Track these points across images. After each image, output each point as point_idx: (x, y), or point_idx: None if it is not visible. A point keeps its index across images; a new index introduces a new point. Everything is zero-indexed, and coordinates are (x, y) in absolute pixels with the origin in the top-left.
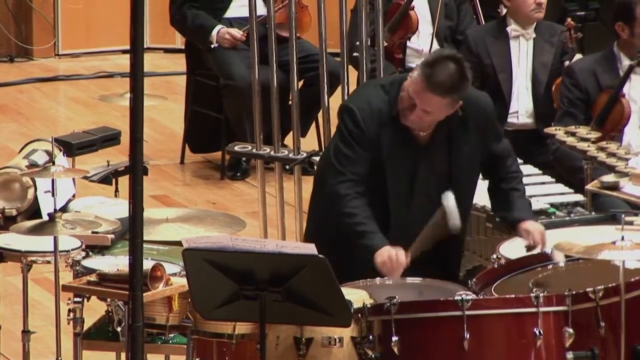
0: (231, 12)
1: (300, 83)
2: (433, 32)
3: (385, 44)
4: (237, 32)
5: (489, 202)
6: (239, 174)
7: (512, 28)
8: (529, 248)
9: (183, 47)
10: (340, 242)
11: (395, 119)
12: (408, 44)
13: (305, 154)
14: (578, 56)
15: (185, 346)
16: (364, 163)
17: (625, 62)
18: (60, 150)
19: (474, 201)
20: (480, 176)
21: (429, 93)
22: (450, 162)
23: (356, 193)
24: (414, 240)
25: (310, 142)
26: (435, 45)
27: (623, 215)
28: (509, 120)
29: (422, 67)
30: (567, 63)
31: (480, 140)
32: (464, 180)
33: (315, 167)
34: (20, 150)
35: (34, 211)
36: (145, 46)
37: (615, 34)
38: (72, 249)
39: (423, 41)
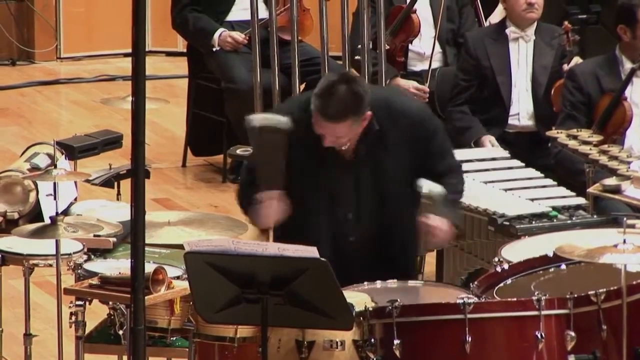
0: (233, 16)
1: (302, 86)
2: (435, 35)
3: (387, 47)
4: (239, 36)
5: (490, 205)
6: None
7: (511, 30)
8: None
9: (185, 50)
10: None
11: (313, 143)
12: (410, 47)
13: None
14: (576, 59)
15: (187, 349)
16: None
17: (627, 65)
18: (62, 154)
19: (476, 204)
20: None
21: (328, 123)
22: (374, 176)
23: (252, 184)
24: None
25: None
26: (438, 48)
27: (625, 219)
28: (510, 122)
29: (314, 100)
30: (565, 66)
31: (409, 152)
32: (392, 193)
33: None
34: (22, 154)
35: (35, 214)
36: (147, 49)
37: (617, 37)
38: (74, 252)
39: (425, 44)
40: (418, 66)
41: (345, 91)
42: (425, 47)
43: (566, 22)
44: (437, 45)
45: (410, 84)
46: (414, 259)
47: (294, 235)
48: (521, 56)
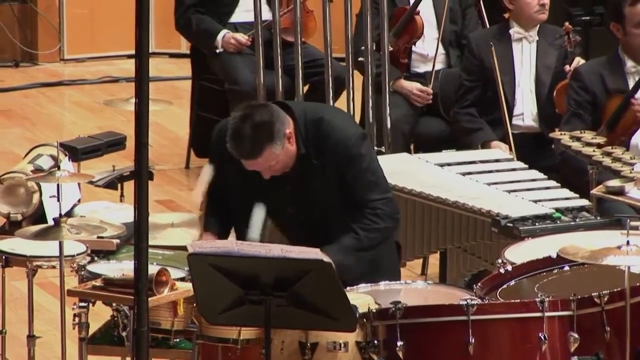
0: (236, 17)
1: (306, 88)
2: (439, 37)
3: (391, 48)
4: (242, 37)
5: (493, 207)
6: None
7: (515, 31)
8: None
9: (188, 51)
10: None
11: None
12: (413, 48)
13: None
14: (577, 59)
15: (191, 351)
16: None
17: (630, 64)
18: (66, 155)
19: (479, 206)
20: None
21: (250, 161)
22: (305, 196)
23: (211, 192)
24: None
25: None
26: (441, 50)
27: (628, 220)
28: (514, 122)
29: (229, 147)
30: (567, 67)
31: (334, 173)
32: (316, 216)
33: None
34: (26, 155)
35: (39, 216)
36: (150, 51)
37: (615, 37)
38: (78, 254)
39: (428, 46)
40: (421, 68)
41: (250, 127)
42: (429, 49)
43: (567, 23)
44: (441, 47)
45: (414, 86)
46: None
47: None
48: (524, 57)
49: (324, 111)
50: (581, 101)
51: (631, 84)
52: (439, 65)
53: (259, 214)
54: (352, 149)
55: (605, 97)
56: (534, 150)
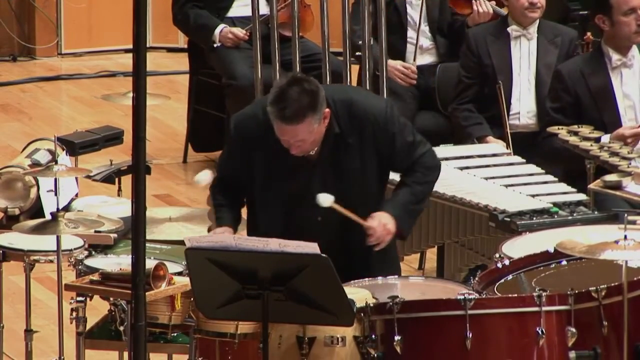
0: (234, 12)
1: None
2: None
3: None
4: (239, 32)
5: (491, 202)
6: None
7: (513, 28)
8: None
9: (186, 46)
10: None
11: (276, 144)
12: (408, 40)
13: None
14: None
15: (188, 345)
16: (228, 174)
17: (615, 57)
18: (63, 150)
19: (477, 200)
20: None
21: (288, 126)
22: (339, 177)
23: (220, 184)
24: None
25: None
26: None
27: (625, 215)
28: (510, 122)
29: (270, 109)
30: None
31: (374, 156)
32: (357, 195)
33: None
34: (23, 150)
35: (36, 210)
36: (147, 45)
37: (599, 30)
38: (75, 248)
39: (422, 37)
40: (417, 60)
41: (297, 91)
42: (422, 40)
43: (589, 34)
44: (430, 38)
45: (397, 63)
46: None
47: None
48: (523, 55)
49: (350, 91)
50: (563, 106)
51: (614, 80)
52: (430, 57)
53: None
54: (389, 123)
55: (588, 96)
56: (532, 147)
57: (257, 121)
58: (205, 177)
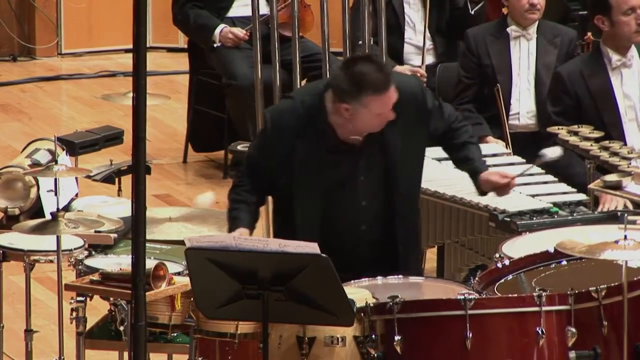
0: (234, 12)
1: (303, 82)
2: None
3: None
4: (239, 32)
5: (491, 202)
6: None
7: (513, 29)
8: (499, 192)
9: (186, 46)
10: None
11: (323, 132)
12: (406, 40)
13: None
14: None
15: (188, 345)
16: (257, 167)
17: (615, 57)
18: (63, 150)
19: (477, 200)
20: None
21: (387, 92)
22: (386, 159)
23: (243, 183)
24: (357, 245)
25: None
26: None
27: (626, 215)
28: (510, 122)
29: (359, 90)
30: None
31: (417, 128)
32: (402, 177)
33: None
34: (23, 150)
35: (36, 210)
36: (148, 45)
37: (598, 30)
38: (75, 248)
39: (421, 37)
40: (415, 60)
41: (373, 62)
42: (421, 40)
43: (589, 34)
44: (430, 38)
45: (405, 68)
46: (419, 252)
47: (302, 224)
48: (523, 55)
49: None
50: (564, 108)
51: (614, 80)
52: (429, 58)
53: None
54: (427, 98)
55: (588, 97)
56: (532, 148)
57: (297, 114)
58: (207, 199)
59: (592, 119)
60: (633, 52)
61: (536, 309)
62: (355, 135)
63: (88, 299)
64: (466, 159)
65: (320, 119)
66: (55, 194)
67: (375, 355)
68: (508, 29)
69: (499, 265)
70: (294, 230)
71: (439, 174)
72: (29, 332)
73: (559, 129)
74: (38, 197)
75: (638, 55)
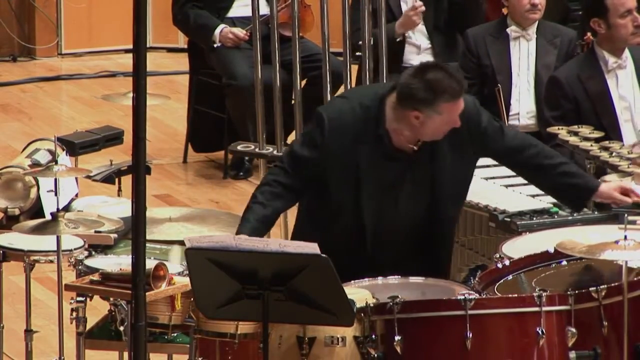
0: (234, 12)
1: (303, 82)
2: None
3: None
4: (240, 32)
5: (491, 202)
6: (241, 173)
7: (512, 29)
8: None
9: (186, 46)
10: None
11: (380, 137)
12: (407, 39)
13: None
14: None
15: (188, 345)
16: (306, 167)
17: (611, 60)
18: (63, 150)
19: (477, 200)
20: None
21: (459, 99)
22: (433, 173)
23: (275, 182)
24: (394, 250)
25: None
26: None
27: (626, 215)
28: (510, 122)
29: (435, 97)
30: None
31: (468, 148)
32: (449, 189)
33: None
34: (23, 150)
35: (36, 210)
36: (148, 45)
37: (593, 33)
38: (75, 248)
39: (420, 36)
40: (415, 59)
41: (444, 69)
42: (421, 40)
43: (589, 34)
44: (427, 37)
45: (405, 11)
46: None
47: (332, 224)
48: (522, 55)
49: None
50: (563, 113)
51: (610, 83)
52: (429, 57)
53: None
54: (482, 120)
55: (587, 100)
56: None
57: (356, 117)
58: None
59: (591, 122)
60: (627, 53)
61: (536, 309)
62: (412, 144)
63: (88, 299)
64: (568, 175)
65: (379, 124)
66: (55, 194)
67: (376, 355)
68: (508, 30)
69: (499, 265)
70: (326, 230)
71: None
72: (29, 332)
73: (559, 129)
74: (38, 197)
75: (631, 56)
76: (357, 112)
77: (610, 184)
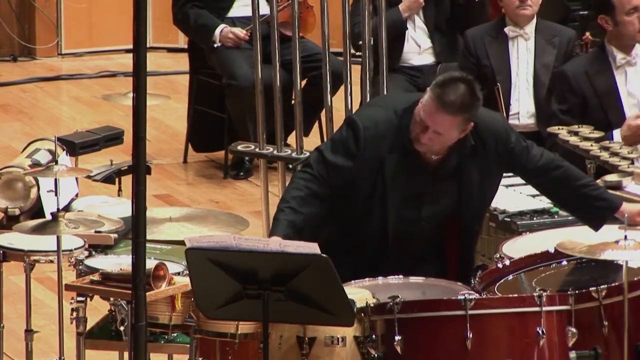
0: (234, 12)
1: (304, 82)
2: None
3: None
4: (240, 32)
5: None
6: (242, 173)
7: (510, 29)
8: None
9: (186, 46)
10: (332, 242)
11: (406, 146)
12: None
13: (308, 153)
14: None
15: (188, 345)
16: (338, 175)
17: (619, 56)
18: (63, 150)
19: None
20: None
21: (440, 112)
22: (460, 190)
23: (307, 188)
24: (411, 260)
25: (313, 141)
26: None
27: (626, 215)
28: (510, 122)
29: (433, 88)
30: None
31: (495, 167)
32: (472, 209)
33: None
34: (23, 150)
35: (36, 210)
36: (148, 45)
37: (602, 30)
38: (75, 248)
39: (421, 37)
40: (415, 60)
41: (466, 88)
42: (421, 40)
43: (587, 34)
44: (429, 36)
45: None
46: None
47: (355, 231)
48: (521, 55)
49: None
50: (570, 107)
51: (619, 79)
52: (429, 57)
53: None
54: (510, 138)
55: (594, 96)
56: None
57: (392, 126)
58: None
59: (598, 118)
60: (637, 50)
61: (536, 309)
62: (429, 152)
63: (88, 299)
64: (592, 198)
65: (407, 132)
66: (56, 194)
67: (376, 355)
68: (505, 29)
69: (500, 265)
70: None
71: None
72: (29, 332)
73: (559, 129)
74: (38, 197)
75: None
76: (394, 121)
77: (631, 206)
